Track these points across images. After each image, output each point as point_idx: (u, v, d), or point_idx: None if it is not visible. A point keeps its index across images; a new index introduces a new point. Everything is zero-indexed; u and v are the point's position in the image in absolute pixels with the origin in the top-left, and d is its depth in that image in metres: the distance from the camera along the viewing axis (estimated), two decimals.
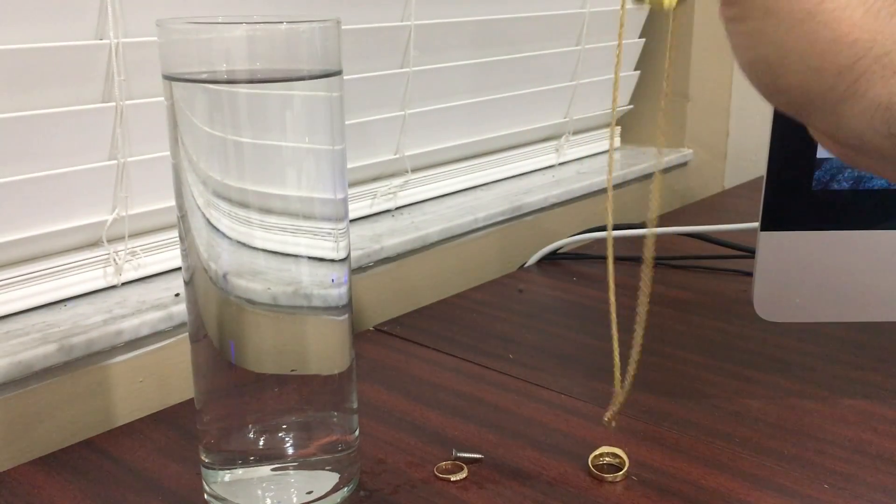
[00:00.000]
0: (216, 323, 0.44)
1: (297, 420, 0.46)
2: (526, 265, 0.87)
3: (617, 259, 0.86)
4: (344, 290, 0.46)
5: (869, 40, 0.28)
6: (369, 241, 0.76)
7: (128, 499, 0.48)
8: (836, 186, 0.56)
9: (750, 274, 0.59)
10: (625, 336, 0.69)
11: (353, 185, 0.81)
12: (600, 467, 0.50)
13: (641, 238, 0.89)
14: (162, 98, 0.42)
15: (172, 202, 0.44)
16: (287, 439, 0.46)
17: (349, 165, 0.75)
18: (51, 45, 0.56)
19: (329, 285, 0.45)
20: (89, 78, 0.59)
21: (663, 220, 0.99)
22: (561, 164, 1.06)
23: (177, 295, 0.63)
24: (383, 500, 0.47)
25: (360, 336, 0.69)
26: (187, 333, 0.46)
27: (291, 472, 0.46)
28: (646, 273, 0.41)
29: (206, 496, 0.47)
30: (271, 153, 0.42)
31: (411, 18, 0.79)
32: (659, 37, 1.13)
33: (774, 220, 0.56)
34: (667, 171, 1.14)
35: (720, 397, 0.58)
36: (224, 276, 0.43)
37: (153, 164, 0.63)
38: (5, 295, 0.58)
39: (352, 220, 0.73)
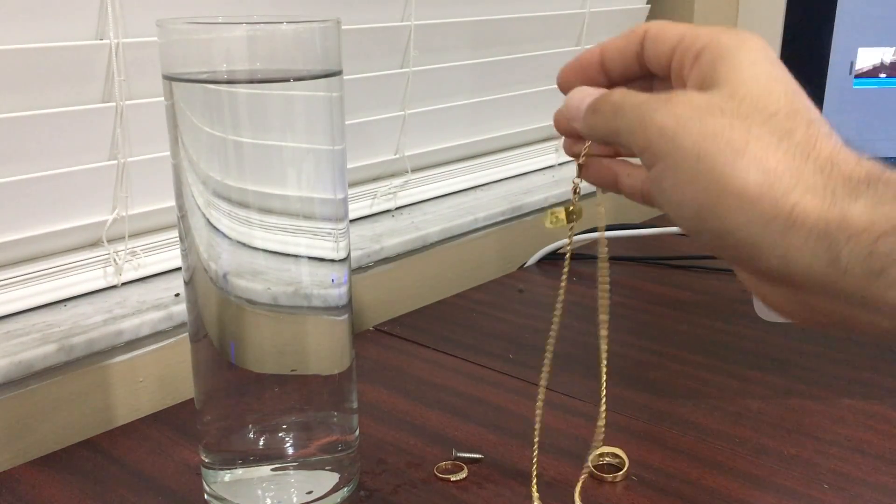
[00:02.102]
0: (216, 323, 0.44)
1: (297, 420, 0.46)
2: (526, 265, 0.87)
3: (617, 259, 0.86)
4: (344, 290, 0.46)
5: (795, 174, 0.30)
6: (369, 241, 0.76)
7: (128, 499, 0.48)
8: None
9: None
10: (621, 335, 0.69)
11: (353, 185, 0.81)
12: (600, 467, 0.50)
13: (641, 238, 0.89)
14: (162, 98, 0.42)
15: (172, 202, 0.44)
16: (287, 439, 0.46)
17: (349, 165, 0.75)
18: (51, 45, 0.56)
19: (329, 285, 0.45)
20: (89, 78, 0.59)
21: (664, 220, 0.99)
22: (561, 164, 1.06)
23: (177, 295, 0.63)
24: (383, 500, 0.47)
25: (360, 336, 0.69)
26: (187, 333, 0.46)
27: (291, 472, 0.46)
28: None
29: (206, 496, 0.47)
30: (271, 153, 0.42)
31: (411, 18, 0.79)
32: None
33: None
34: None
35: (720, 397, 0.58)
36: (224, 276, 0.43)
37: (153, 164, 0.63)
38: (5, 295, 0.58)
39: (352, 220, 0.73)
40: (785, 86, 0.33)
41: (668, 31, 0.36)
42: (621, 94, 0.35)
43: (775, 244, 0.31)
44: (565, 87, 0.39)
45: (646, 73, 0.38)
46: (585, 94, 0.37)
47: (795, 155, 0.31)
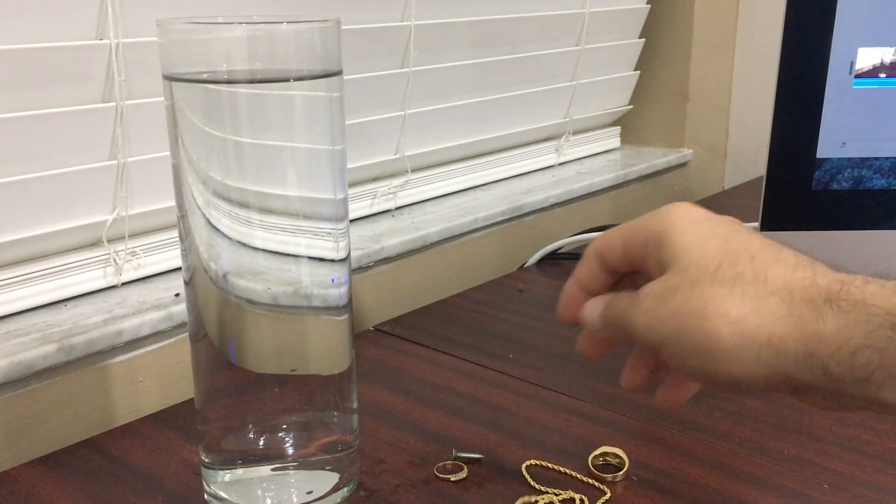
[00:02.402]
0: (216, 323, 0.44)
1: (297, 420, 0.46)
2: (526, 265, 0.87)
3: None
4: (344, 290, 0.46)
5: (758, 312, 0.34)
6: (369, 241, 0.76)
7: (128, 499, 0.48)
8: (835, 186, 0.56)
9: None
10: None
11: (353, 185, 0.81)
12: (600, 467, 0.50)
13: None
14: (162, 98, 0.42)
15: (172, 202, 0.44)
16: (287, 439, 0.46)
17: (349, 165, 0.75)
18: (51, 45, 0.56)
19: (329, 285, 0.45)
20: (89, 78, 0.59)
21: None
22: (561, 164, 1.06)
23: (177, 295, 0.63)
24: (383, 500, 0.47)
25: (360, 336, 0.69)
26: (187, 333, 0.46)
27: (291, 472, 0.46)
28: None
29: (206, 496, 0.47)
30: (271, 153, 0.42)
31: (411, 18, 0.79)
32: (658, 37, 1.13)
33: (774, 220, 0.56)
34: (667, 171, 1.14)
35: (720, 397, 0.58)
36: (224, 276, 0.43)
37: (153, 164, 0.63)
38: (5, 295, 0.58)
39: (352, 220, 0.73)
40: (717, 238, 0.37)
41: (610, 243, 0.41)
42: (612, 307, 0.40)
43: (776, 371, 0.34)
44: (569, 320, 0.43)
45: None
46: (595, 307, 0.42)
47: (751, 296, 0.35)
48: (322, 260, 0.45)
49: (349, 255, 0.46)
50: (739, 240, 0.37)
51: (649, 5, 1.10)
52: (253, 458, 0.46)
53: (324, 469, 0.47)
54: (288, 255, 0.44)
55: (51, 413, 0.57)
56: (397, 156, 0.83)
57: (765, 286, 0.35)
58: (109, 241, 0.63)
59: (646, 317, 0.37)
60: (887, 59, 0.53)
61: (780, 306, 0.34)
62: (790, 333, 0.34)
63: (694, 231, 0.37)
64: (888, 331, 0.32)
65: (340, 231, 0.45)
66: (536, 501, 0.46)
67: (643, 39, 1.12)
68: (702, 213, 0.39)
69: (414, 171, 0.86)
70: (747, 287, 0.35)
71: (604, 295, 0.42)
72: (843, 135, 0.55)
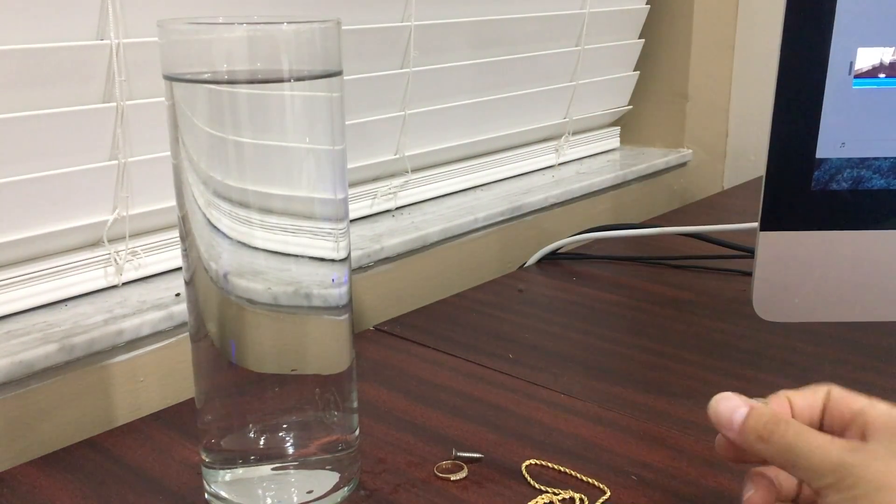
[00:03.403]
0: (217, 323, 0.44)
1: (297, 420, 0.46)
2: (526, 265, 0.87)
3: (617, 259, 0.86)
4: (344, 289, 0.46)
5: None
6: (369, 241, 0.77)
7: (128, 498, 0.48)
8: (835, 186, 0.56)
9: (749, 274, 0.59)
10: (620, 335, 0.69)
11: (353, 185, 0.81)
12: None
13: (641, 238, 0.89)
14: (163, 98, 0.42)
15: (173, 202, 0.44)
16: (287, 439, 0.46)
17: (349, 165, 0.75)
18: (51, 46, 0.56)
19: (329, 285, 0.45)
20: (90, 78, 0.59)
21: (663, 220, 0.99)
22: (561, 164, 1.06)
23: (177, 295, 0.63)
24: (383, 499, 0.47)
25: (360, 336, 0.69)
26: (188, 333, 0.46)
27: (292, 471, 0.46)
28: None
29: (206, 496, 0.47)
30: (271, 153, 0.42)
31: (411, 18, 0.79)
32: (658, 37, 1.13)
33: (774, 220, 0.56)
34: (666, 171, 1.14)
35: None
36: (224, 275, 0.43)
37: (154, 165, 0.63)
38: (6, 295, 0.58)
39: (352, 220, 0.73)
40: None
41: (848, 403, 0.41)
42: (795, 434, 0.39)
43: None
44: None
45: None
46: (734, 406, 0.42)
47: None
48: (322, 260, 0.45)
49: (349, 255, 0.46)
50: None
51: (649, 5, 1.10)
52: (253, 457, 0.46)
53: (324, 469, 0.47)
54: (288, 254, 0.44)
55: (51, 413, 0.57)
56: (397, 156, 0.84)
57: None
58: (110, 241, 0.63)
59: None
60: (887, 60, 0.53)
61: None
62: None
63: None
64: None
65: (340, 231, 0.45)
66: None
67: (643, 40, 1.12)
68: None
69: (414, 171, 0.86)
70: None
71: (755, 403, 0.42)
72: (842, 135, 0.55)
